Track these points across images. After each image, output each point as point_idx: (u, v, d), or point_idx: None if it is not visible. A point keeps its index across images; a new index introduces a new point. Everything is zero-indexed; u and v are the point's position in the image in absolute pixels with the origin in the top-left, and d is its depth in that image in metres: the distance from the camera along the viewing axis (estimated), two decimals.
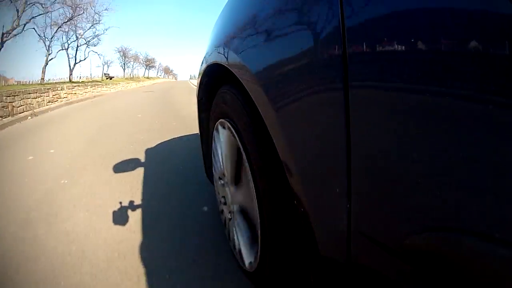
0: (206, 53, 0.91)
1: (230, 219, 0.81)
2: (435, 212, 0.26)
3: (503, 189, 0.22)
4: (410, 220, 0.28)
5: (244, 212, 0.71)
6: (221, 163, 0.82)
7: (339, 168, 0.34)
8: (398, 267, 0.30)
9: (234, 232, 0.75)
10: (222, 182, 0.84)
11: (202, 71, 0.96)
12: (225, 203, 0.83)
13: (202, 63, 0.98)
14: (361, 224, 0.33)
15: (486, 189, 0.22)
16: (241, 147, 0.63)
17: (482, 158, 0.22)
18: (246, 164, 0.60)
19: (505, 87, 0.21)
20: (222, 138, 0.78)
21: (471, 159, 0.23)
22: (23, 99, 5.39)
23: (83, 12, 14.42)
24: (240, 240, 0.71)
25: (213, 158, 0.95)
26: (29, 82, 13.71)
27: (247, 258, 0.68)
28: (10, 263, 0.97)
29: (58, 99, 7.22)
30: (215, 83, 0.96)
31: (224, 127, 0.76)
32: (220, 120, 0.78)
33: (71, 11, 13.58)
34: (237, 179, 0.72)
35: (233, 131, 0.67)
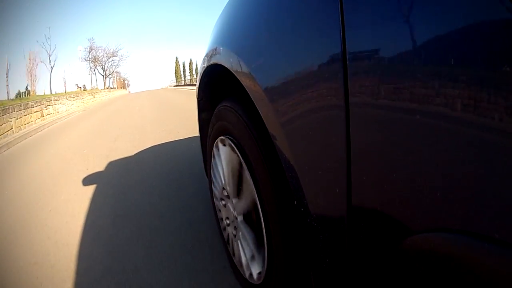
0: (206, 53, 0.88)
1: (234, 235, 0.80)
2: (434, 212, 0.26)
3: (503, 189, 0.22)
4: (409, 220, 0.28)
5: (248, 221, 0.71)
6: (223, 181, 0.81)
7: (340, 172, 0.34)
8: (398, 267, 0.30)
9: (239, 245, 0.75)
10: (225, 193, 0.83)
11: (202, 71, 0.94)
12: (227, 218, 0.83)
13: (202, 62, 0.95)
14: (361, 224, 0.33)
15: (486, 189, 0.23)
16: (244, 164, 0.63)
17: (481, 158, 0.23)
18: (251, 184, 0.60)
19: (505, 88, 0.21)
20: (223, 155, 0.78)
21: (470, 159, 0.23)
22: None
23: None
24: (247, 252, 0.71)
25: (212, 176, 0.94)
26: None
27: (256, 268, 0.68)
28: None
29: None
30: (215, 83, 0.96)
31: (224, 145, 0.76)
32: (221, 137, 0.79)
33: None
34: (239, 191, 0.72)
35: (236, 148, 0.67)
